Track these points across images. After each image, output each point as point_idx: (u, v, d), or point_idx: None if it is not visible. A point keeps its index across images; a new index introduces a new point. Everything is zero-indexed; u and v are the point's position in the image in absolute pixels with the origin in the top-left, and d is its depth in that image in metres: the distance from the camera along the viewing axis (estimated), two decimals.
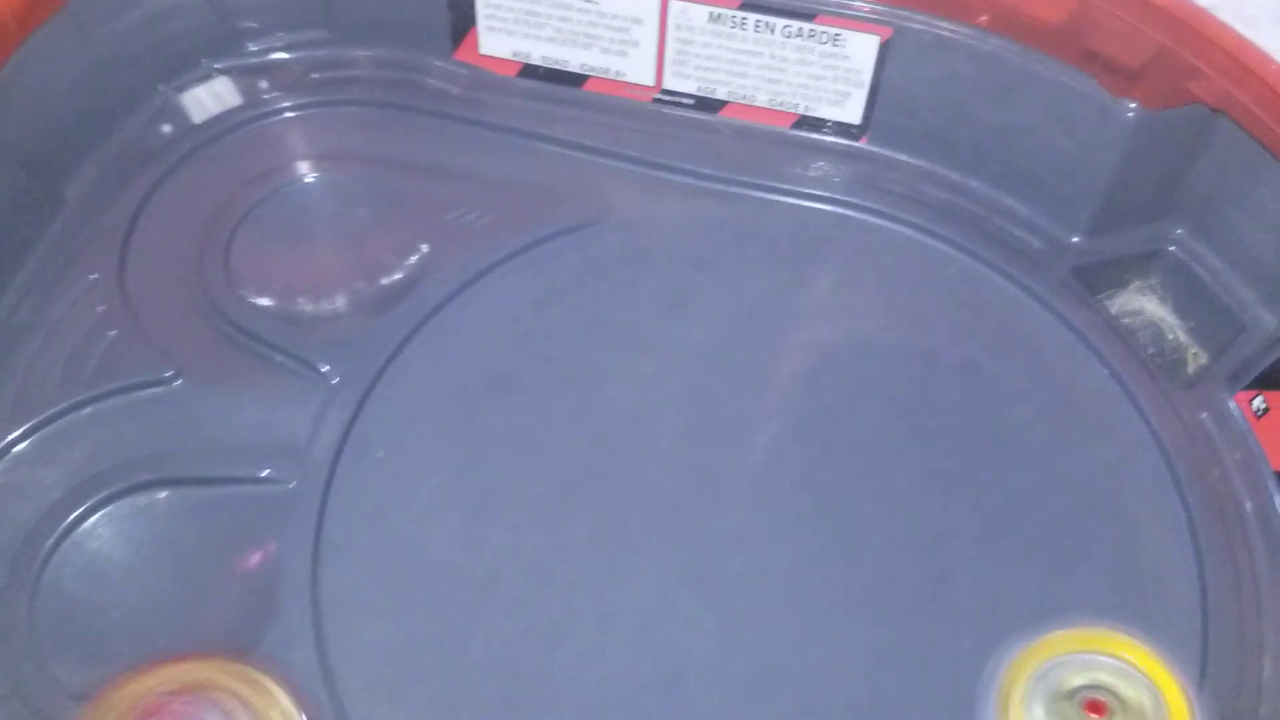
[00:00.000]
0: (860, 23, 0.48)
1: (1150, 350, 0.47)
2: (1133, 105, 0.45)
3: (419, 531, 0.41)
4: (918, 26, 0.48)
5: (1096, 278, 0.48)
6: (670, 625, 0.40)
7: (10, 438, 0.41)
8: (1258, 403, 0.43)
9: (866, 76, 0.49)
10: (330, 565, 0.40)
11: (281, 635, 0.38)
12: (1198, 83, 0.43)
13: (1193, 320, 0.48)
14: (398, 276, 0.47)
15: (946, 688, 0.39)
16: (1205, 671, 0.39)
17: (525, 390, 0.45)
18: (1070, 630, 0.39)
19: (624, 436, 0.44)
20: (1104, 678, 0.38)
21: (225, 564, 0.40)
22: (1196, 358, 0.47)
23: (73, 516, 0.40)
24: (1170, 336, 0.48)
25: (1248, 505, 0.42)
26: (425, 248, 0.48)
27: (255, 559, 0.40)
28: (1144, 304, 0.48)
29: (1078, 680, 0.38)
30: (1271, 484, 0.42)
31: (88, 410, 0.42)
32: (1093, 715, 0.37)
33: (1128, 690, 0.38)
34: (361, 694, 0.37)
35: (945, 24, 0.47)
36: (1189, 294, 0.48)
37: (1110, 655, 0.39)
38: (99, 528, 0.40)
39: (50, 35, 0.46)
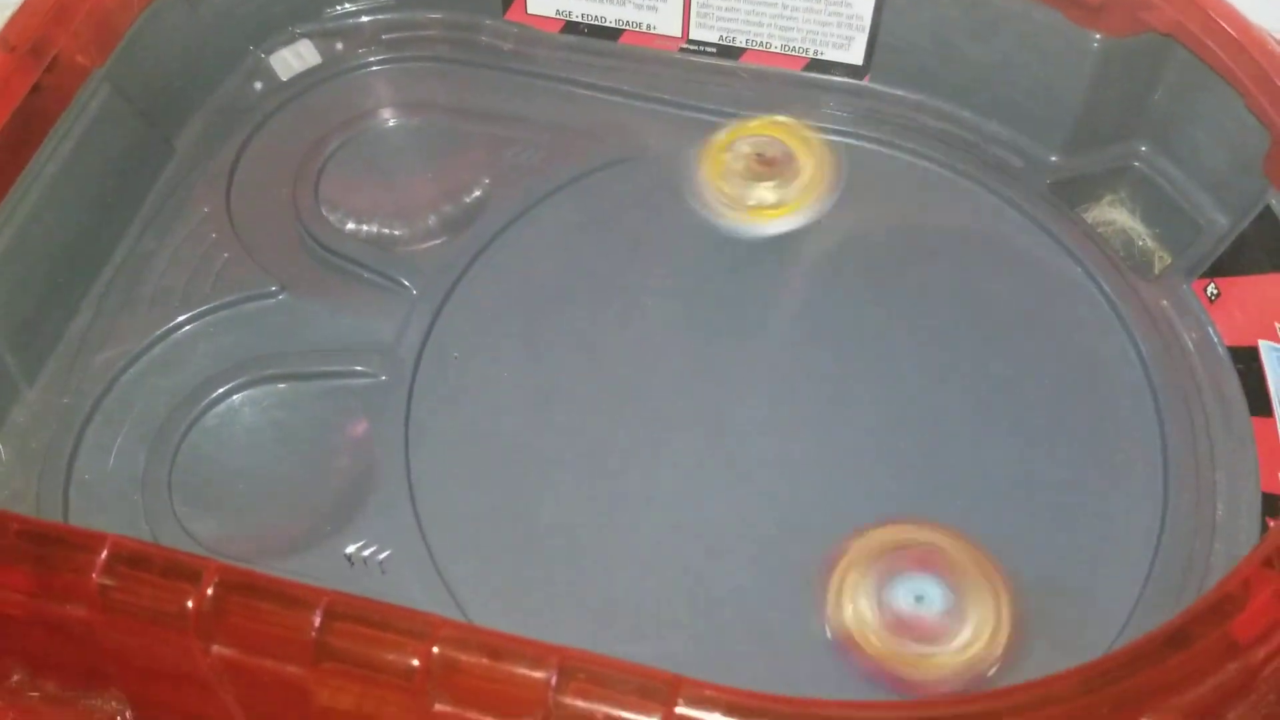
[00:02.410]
0: None
1: (1122, 255, 0.50)
2: (1097, 36, 0.48)
3: (492, 417, 0.45)
4: None
5: (1072, 192, 0.52)
6: (704, 495, 0.43)
7: (143, 345, 0.46)
8: (1210, 289, 0.47)
9: (867, 22, 0.53)
10: (419, 445, 0.44)
11: (381, 502, 0.42)
12: (1151, 13, 0.47)
13: (1158, 227, 0.52)
14: (465, 205, 0.51)
15: None
16: (1166, 516, 0.42)
17: (576, 300, 0.48)
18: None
19: (661, 338, 0.47)
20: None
21: (331, 441, 0.44)
22: (1162, 260, 0.51)
23: (201, 405, 0.44)
24: (1139, 243, 0.52)
25: (1203, 375, 0.46)
26: (487, 181, 0.52)
27: (356, 438, 0.44)
28: (1115, 215, 0.52)
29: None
30: (1224, 357, 0.46)
31: (209, 319, 0.47)
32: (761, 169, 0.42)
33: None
34: (452, 549, 0.41)
35: None
36: (1154, 204, 0.52)
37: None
38: (224, 415, 0.45)
39: (163, 5, 0.50)
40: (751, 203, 0.50)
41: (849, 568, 0.41)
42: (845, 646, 0.40)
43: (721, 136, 0.52)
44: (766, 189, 0.50)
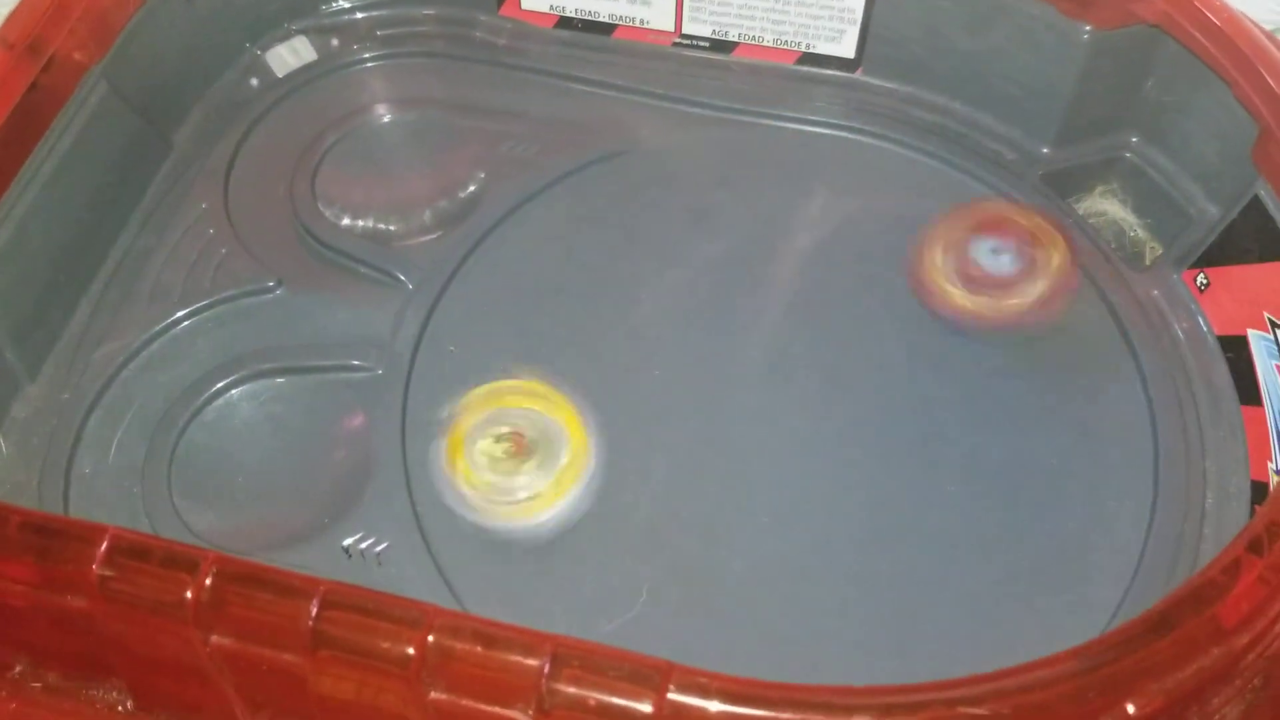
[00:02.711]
0: None
1: (1113, 246, 0.51)
2: (1087, 28, 0.49)
3: None
4: None
5: (1064, 183, 0.52)
6: (698, 480, 0.44)
7: (142, 340, 0.46)
8: (1200, 279, 0.48)
9: (858, 15, 0.53)
10: (414, 435, 0.44)
11: (378, 491, 0.43)
12: (1140, 5, 0.47)
13: (1149, 218, 0.52)
14: (460, 200, 0.52)
15: (933, 526, 0.43)
16: (1156, 504, 0.43)
17: (570, 293, 0.49)
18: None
19: (655, 331, 0.48)
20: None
21: (328, 434, 0.45)
22: (1153, 250, 0.51)
23: (201, 399, 0.45)
24: (1131, 234, 0.52)
25: (1193, 364, 0.46)
26: (482, 175, 0.52)
27: (353, 431, 0.45)
28: (1107, 206, 0.53)
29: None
30: (1214, 346, 0.47)
31: (207, 314, 0.47)
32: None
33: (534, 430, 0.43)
34: (448, 536, 0.42)
35: None
36: (1145, 195, 0.52)
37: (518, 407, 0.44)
38: (222, 409, 0.45)
39: (160, 2, 0.51)
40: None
41: None
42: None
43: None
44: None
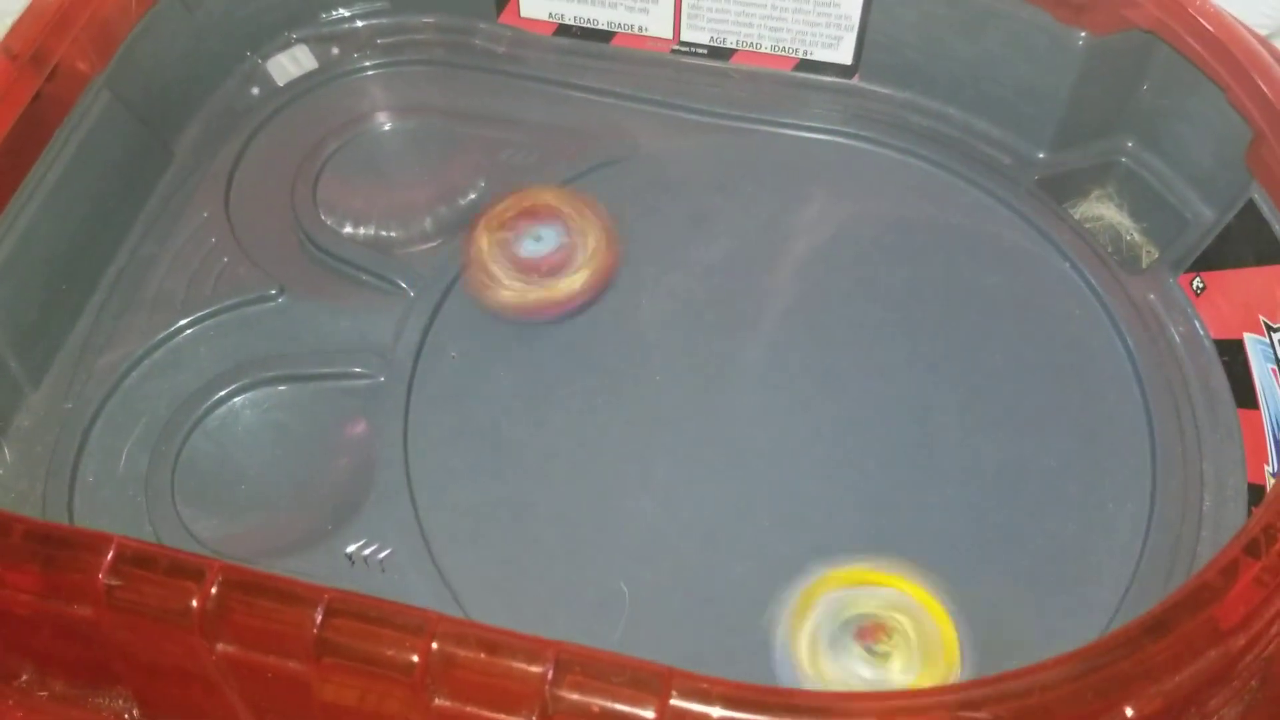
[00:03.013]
0: None
1: (1110, 250, 0.51)
2: (1082, 33, 0.49)
3: (488, 415, 0.46)
4: None
5: (1060, 188, 0.53)
6: (699, 485, 0.44)
7: (145, 348, 0.47)
8: (1196, 283, 0.48)
9: (855, 21, 0.54)
10: (416, 442, 0.45)
11: (381, 497, 0.43)
12: (1134, 10, 0.47)
13: (1145, 222, 0.52)
14: (460, 207, 0.52)
15: (932, 532, 0.43)
16: (1154, 506, 0.43)
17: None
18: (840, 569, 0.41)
19: (656, 333, 0.48)
20: (879, 610, 0.40)
21: (330, 442, 0.45)
22: (1150, 254, 0.52)
23: (204, 407, 0.45)
24: (1127, 238, 0.52)
25: (1190, 368, 0.47)
26: (482, 182, 0.53)
27: (355, 438, 0.45)
28: (1103, 210, 0.53)
29: (854, 611, 0.40)
30: (1210, 349, 0.47)
31: (209, 322, 0.48)
32: (869, 642, 0.40)
33: (903, 620, 0.40)
34: (449, 542, 0.42)
35: None
36: (1141, 199, 0.52)
37: (883, 586, 0.41)
38: (225, 416, 0.46)
39: (162, 11, 0.51)
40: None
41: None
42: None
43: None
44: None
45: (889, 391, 0.47)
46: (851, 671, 0.39)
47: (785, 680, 0.39)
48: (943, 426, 0.46)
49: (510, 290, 0.45)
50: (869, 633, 0.40)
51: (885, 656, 0.39)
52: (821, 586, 0.41)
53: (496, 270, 0.46)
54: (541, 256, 0.47)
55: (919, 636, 0.40)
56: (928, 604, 0.41)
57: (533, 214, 0.48)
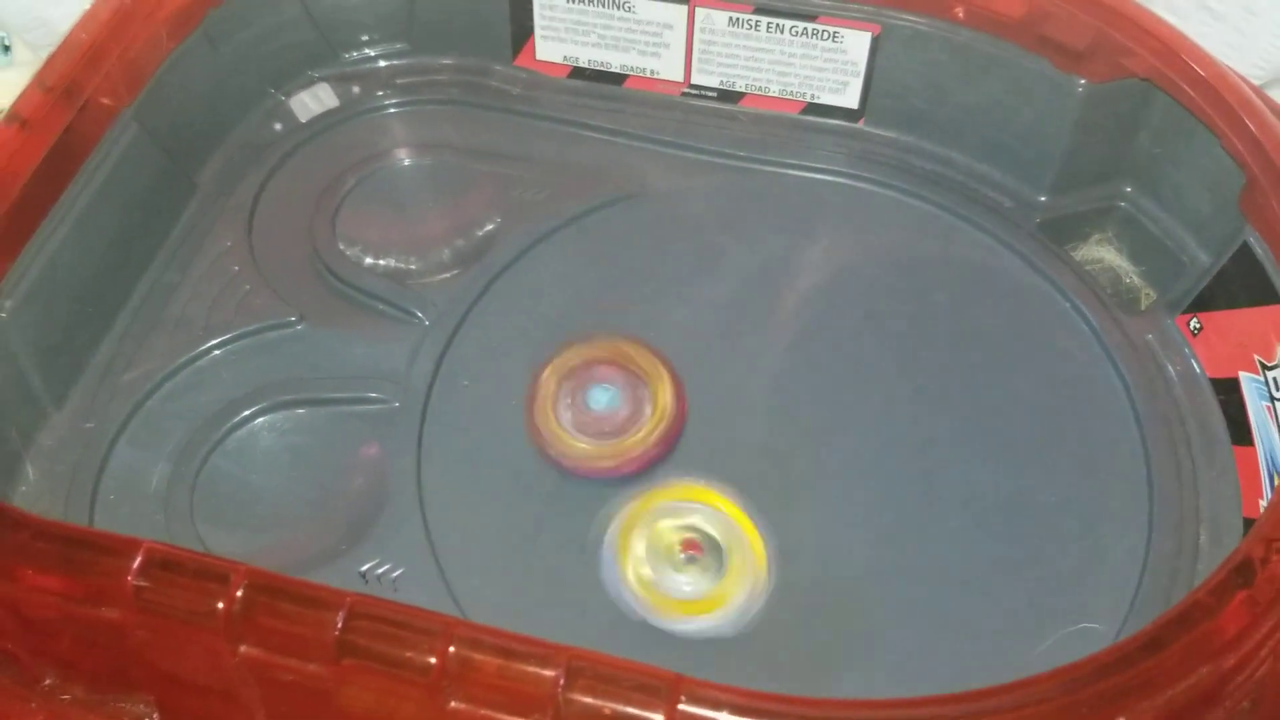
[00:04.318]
0: (855, 21, 0.54)
1: (1109, 291, 0.52)
2: (1081, 81, 0.50)
3: (499, 442, 0.46)
4: (903, 23, 0.53)
5: (1061, 231, 0.54)
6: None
7: (167, 371, 0.48)
8: (1193, 323, 0.49)
9: (861, 68, 0.55)
10: (429, 467, 0.46)
11: (393, 519, 0.44)
12: (1131, 59, 0.49)
13: (1144, 264, 0.53)
14: (475, 240, 0.53)
15: (933, 559, 0.44)
16: (1151, 541, 0.44)
17: (579, 332, 0.49)
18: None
19: None
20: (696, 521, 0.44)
21: (346, 464, 0.46)
22: (1148, 296, 0.52)
23: (224, 428, 0.46)
24: (1126, 280, 0.53)
25: (1187, 406, 0.48)
26: (497, 217, 0.54)
27: (370, 461, 0.46)
28: (1103, 253, 0.54)
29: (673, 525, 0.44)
30: (1206, 388, 0.48)
31: (230, 347, 0.49)
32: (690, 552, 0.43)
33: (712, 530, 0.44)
34: (459, 564, 0.43)
35: (925, 20, 0.53)
36: (1139, 242, 0.53)
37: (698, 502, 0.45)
38: (244, 438, 0.46)
39: (189, 48, 0.53)
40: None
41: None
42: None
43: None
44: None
45: (891, 425, 0.47)
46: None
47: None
48: (944, 460, 0.46)
49: (578, 444, 0.46)
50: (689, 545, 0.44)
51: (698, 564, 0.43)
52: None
53: (563, 422, 0.46)
54: (610, 412, 0.47)
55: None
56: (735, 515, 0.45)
57: (602, 364, 0.48)
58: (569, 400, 0.47)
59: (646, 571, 0.43)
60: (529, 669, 0.30)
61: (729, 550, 0.44)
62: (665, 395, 0.47)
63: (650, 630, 0.42)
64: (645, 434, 0.46)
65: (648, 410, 0.47)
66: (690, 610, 0.43)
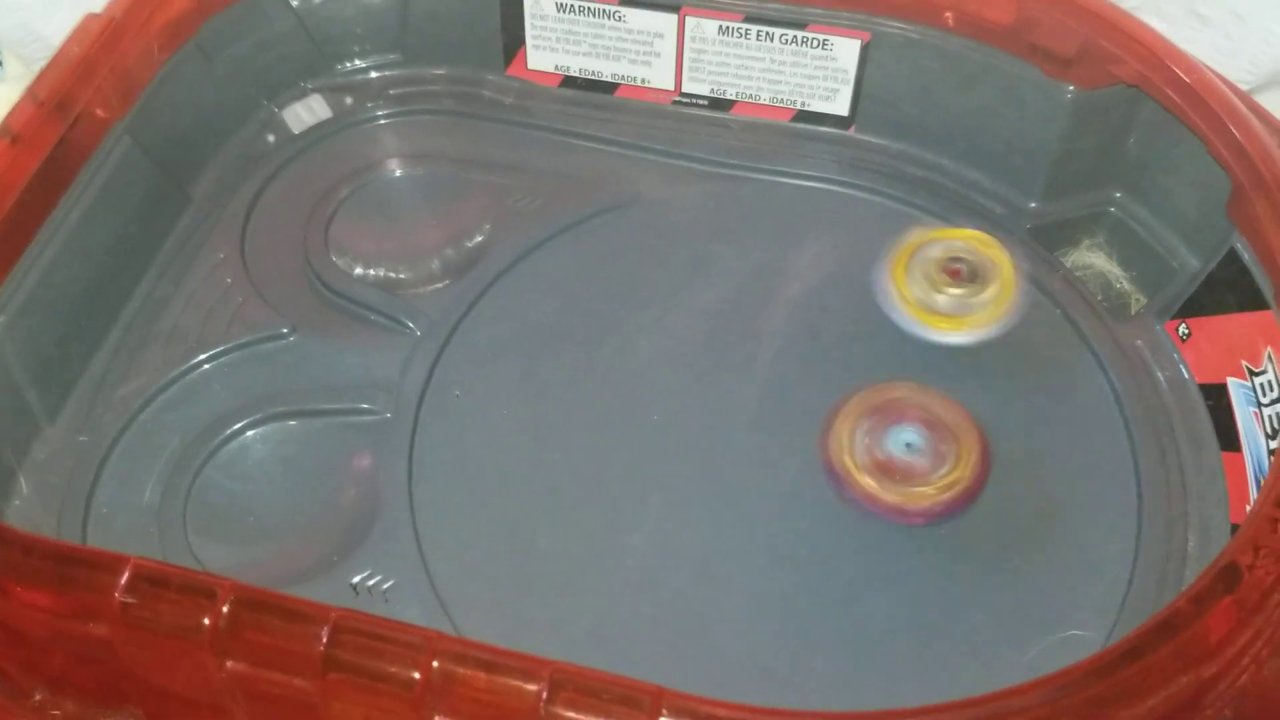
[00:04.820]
0: (844, 29, 0.54)
1: (1100, 297, 0.52)
2: (1070, 88, 0.50)
3: (491, 452, 0.47)
4: (892, 30, 0.53)
5: (1052, 237, 0.54)
6: (694, 523, 0.45)
7: (159, 383, 0.48)
8: (1182, 329, 0.49)
9: (851, 75, 0.55)
10: (421, 477, 0.46)
11: (385, 530, 0.44)
12: (1119, 66, 0.49)
13: (1134, 270, 0.53)
14: (467, 250, 0.53)
15: (922, 567, 0.44)
16: (1140, 546, 0.44)
17: (573, 340, 0.50)
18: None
19: (654, 376, 0.49)
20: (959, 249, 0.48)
21: (338, 475, 0.46)
22: (1138, 301, 0.53)
23: (216, 440, 0.46)
24: (1117, 286, 0.53)
25: (1176, 412, 0.48)
26: (489, 227, 0.54)
27: (362, 472, 0.46)
28: (1093, 259, 0.54)
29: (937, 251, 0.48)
30: (1195, 394, 0.48)
31: (223, 359, 0.49)
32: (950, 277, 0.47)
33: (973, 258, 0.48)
34: (452, 575, 0.43)
35: (915, 27, 0.53)
36: (1129, 248, 0.53)
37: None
38: (237, 450, 0.47)
39: (181, 60, 0.53)
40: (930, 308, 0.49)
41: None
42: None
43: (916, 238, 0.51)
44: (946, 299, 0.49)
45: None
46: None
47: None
48: None
49: (868, 482, 0.46)
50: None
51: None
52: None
53: (857, 458, 0.46)
54: (909, 460, 0.46)
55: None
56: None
57: (910, 412, 0.47)
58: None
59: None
60: (512, 682, 0.31)
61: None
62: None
63: (641, 640, 0.42)
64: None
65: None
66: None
